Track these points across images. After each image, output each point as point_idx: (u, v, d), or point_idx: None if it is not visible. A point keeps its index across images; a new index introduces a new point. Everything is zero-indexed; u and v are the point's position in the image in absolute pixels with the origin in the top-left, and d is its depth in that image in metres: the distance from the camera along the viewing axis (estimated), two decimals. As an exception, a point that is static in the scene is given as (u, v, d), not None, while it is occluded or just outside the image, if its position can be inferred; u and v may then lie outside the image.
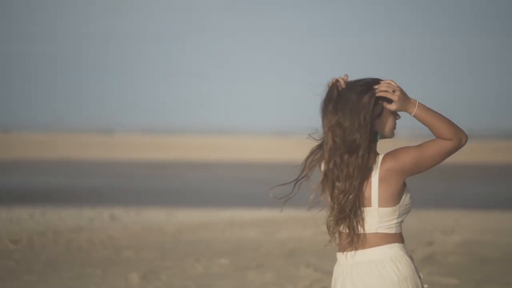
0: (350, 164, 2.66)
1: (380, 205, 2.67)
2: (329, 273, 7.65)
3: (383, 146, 2.81)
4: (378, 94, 2.72)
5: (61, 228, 10.94)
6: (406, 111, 2.72)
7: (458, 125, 2.72)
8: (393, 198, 2.68)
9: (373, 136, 2.68)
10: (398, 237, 2.71)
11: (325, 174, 2.70)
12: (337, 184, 2.67)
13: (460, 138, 2.70)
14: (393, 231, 2.70)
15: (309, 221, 12.27)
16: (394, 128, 2.75)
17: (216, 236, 10.52)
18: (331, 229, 2.72)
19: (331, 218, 2.71)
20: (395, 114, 2.73)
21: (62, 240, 9.78)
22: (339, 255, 2.76)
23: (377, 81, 2.71)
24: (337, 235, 2.73)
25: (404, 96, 2.71)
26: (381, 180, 2.66)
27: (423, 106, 2.71)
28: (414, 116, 2.72)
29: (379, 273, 2.68)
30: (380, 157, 2.68)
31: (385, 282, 2.67)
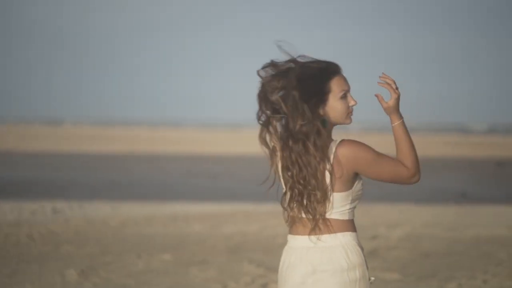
0: (299, 151, 2.67)
1: (333, 190, 2.69)
2: (273, 269, 7.62)
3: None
4: (380, 84, 2.73)
5: None
6: (391, 116, 2.73)
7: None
8: (346, 183, 2.69)
9: (322, 123, 2.68)
10: (351, 225, 2.74)
11: (281, 161, 2.73)
12: (289, 170, 2.69)
13: (415, 173, 2.72)
14: (346, 217, 2.73)
15: (256, 215, 12.20)
16: (348, 113, 2.72)
17: (160, 230, 10.36)
18: (286, 213, 2.73)
19: (285, 203, 2.72)
20: (346, 98, 2.71)
21: (0, 235, 9.51)
22: (290, 238, 2.78)
23: (324, 65, 2.68)
24: (291, 219, 2.75)
25: (398, 102, 2.73)
26: (335, 165, 2.67)
27: (405, 124, 2.73)
28: (394, 126, 2.72)
29: (329, 259, 2.70)
30: (336, 143, 2.68)
31: (334, 268, 2.70)
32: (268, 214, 12.25)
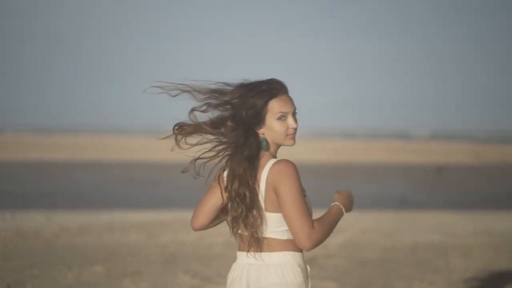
0: (235, 169, 2.71)
1: (267, 209, 2.71)
2: (208, 279, 7.41)
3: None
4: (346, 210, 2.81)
5: None
6: (338, 199, 2.79)
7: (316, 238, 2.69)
8: (274, 204, 2.71)
9: (257, 142, 2.72)
10: (291, 245, 2.73)
11: (227, 175, 2.77)
12: (230, 185, 2.73)
13: (313, 241, 2.67)
14: (285, 237, 2.72)
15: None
16: (287, 134, 2.74)
17: (94, 241, 10.06)
18: (230, 229, 2.80)
19: (229, 219, 2.78)
20: (284, 120, 2.73)
21: None
22: (237, 254, 2.84)
23: (265, 87, 2.72)
24: (239, 234, 2.81)
25: (351, 201, 2.82)
26: (267, 185, 2.69)
27: (341, 213, 2.78)
28: (335, 205, 2.77)
29: (264, 278, 2.73)
30: (272, 161, 2.70)
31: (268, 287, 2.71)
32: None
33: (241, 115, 2.71)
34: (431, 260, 8.73)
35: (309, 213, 2.68)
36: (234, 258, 8.55)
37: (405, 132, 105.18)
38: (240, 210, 2.72)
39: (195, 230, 2.88)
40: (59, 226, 11.28)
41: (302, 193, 2.68)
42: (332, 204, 2.78)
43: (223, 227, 9.92)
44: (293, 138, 2.75)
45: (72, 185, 20.61)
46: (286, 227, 2.72)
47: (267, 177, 2.69)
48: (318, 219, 2.71)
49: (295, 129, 2.76)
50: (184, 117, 2.82)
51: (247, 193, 2.70)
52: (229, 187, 2.74)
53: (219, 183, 2.80)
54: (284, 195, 2.65)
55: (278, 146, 2.79)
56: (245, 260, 2.78)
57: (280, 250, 2.72)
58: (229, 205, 2.76)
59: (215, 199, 2.82)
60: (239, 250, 2.82)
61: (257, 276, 2.74)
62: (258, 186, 2.70)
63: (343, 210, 2.77)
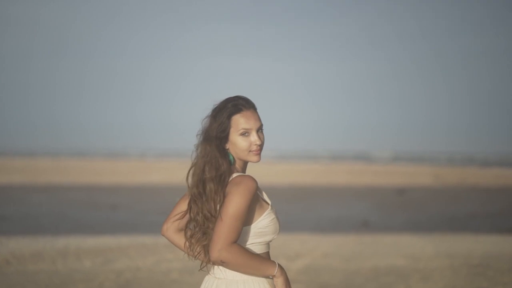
0: (203, 183, 2.72)
1: None
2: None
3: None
4: None
5: None
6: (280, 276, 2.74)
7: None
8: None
9: (224, 158, 2.73)
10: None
11: (191, 192, 2.81)
12: (194, 202, 2.76)
13: (220, 253, 2.65)
14: (256, 251, 2.74)
15: (153, 248, 11.70)
16: (250, 150, 2.74)
17: (46, 267, 9.71)
18: (191, 244, 2.80)
19: (191, 234, 2.79)
20: (248, 136, 2.74)
21: None
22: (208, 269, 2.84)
23: (230, 104, 2.76)
24: (199, 249, 2.81)
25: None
26: (226, 198, 2.69)
27: (282, 276, 2.74)
28: (274, 274, 2.73)
29: None
30: (234, 175, 2.73)
31: None
32: (166, 247, 11.78)
33: (211, 133, 2.74)
34: (392, 285, 8.58)
35: (238, 233, 2.65)
36: (190, 285, 8.23)
37: (367, 154, 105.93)
38: (201, 224, 2.77)
39: (162, 234, 2.93)
40: (11, 253, 10.90)
41: (243, 211, 2.64)
42: (277, 267, 2.73)
43: (181, 253, 9.46)
44: (257, 155, 2.74)
45: (28, 209, 20.14)
46: (250, 241, 2.73)
47: (226, 191, 2.71)
48: (246, 248, 2.71)
49: (259, 146, 2.75)
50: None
51: (209, 209, 2.73)
52: (195, 201, 2.77)
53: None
54: (225, 204, 2.65)
55: (244, 162, 2.79)
56: (212, 274, 2.80)
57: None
58: (192, 220, 2.79)
59: (185, 207, 2.85)
60: (208, 264, 2.84)
61: None
62: (219, 200, 2.72)
63: (276, 273, 2.71)
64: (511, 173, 44.71)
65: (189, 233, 2.80)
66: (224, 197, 2.70)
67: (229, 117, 2.73)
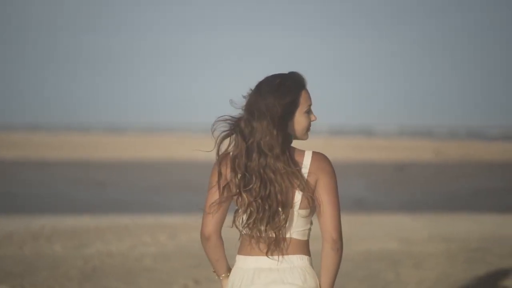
0: (265, 164, 2.57)
1: (300, 206, 2.60)
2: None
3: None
4: None
5: None
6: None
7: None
8: (311, 200, 2.60)
9: (288, 137, 2.61)
10: (308, 247, 2.66)
11: (242, 174, 2.59)
12: (250, 184, 2.57)
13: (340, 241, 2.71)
14: (306, 237, 2.65)
15: (131, 230, 11.07)
16: (308, 129, 2.68)
17: (13, 252, 9.07)
18: (245, 228, 2.61)
19: (242, 222, 2.62)
20: (309, 113, 2.66)
21: None
22: (241, 259, 2.66)
23: (294, 77, 2.64)
24: (243, 237, 2.65)
25: None
26: (309, 176, 2.59)
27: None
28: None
29: (282, 281, 2.60)
30: (309, 154, 2.62)
31: None
32: (145, 228, 11.15)
33: (276, 112, 2.59)
34: (382, 272, 7.94)
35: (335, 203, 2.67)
36: (163, 273, 7.37)
37: (370, 128, 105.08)
38: (264, 210, 2.58)
39: (207, 238, 2.68)
40: (-21, 235, 10.27)
41: None
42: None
43: (161, 236, 8.69)
44: (308, 133, 2.72)
45: (12, 186, 19.51)
46: (309, 225, 2.65)
47: (309, 168, 2.60)
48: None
49: None
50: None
51: (277, 193, 2.58)
52: (252, 185, 2.57)
53: (226, 179, 2.63)
54: (331, 185, 2.59)
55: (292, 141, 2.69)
56: (256, 264, 2.63)
57: (300, 253, 2.63)
58: (246, 204, 2.59)
59: (222, 196, 2.63)
60: (246, 254, 2.65)
61: (273, 281, 2.61)
62: (293, 182, 2.58)
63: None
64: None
65: (250, 220, 2.59)
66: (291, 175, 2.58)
67: (298, 94, 2.63)
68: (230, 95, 2.72)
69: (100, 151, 37.98)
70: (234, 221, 2.64)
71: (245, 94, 2.68)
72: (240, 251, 2.68)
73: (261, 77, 2.67)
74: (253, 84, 2.69)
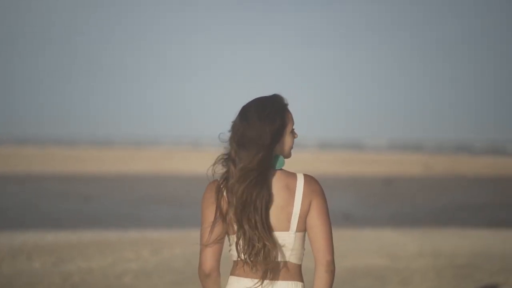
0: (258, 187, 2.53)
1: (297, 229, 2.57)
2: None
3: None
4: None
5: None
6: None
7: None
8: (305, 222, 2.57)
9: (274, 158, 2.59)
10: (301, 273, 2.61)
11: (228, 198, 2.55)
12: (245, 209, 2.52)
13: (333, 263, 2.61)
14: (300, 261, 2.62)
15: (114, 245, 10.86)
16: (292, 147, 2.67)
17: (-9, 269, 8.84)
18: (239, 256, 2.55)
19: (237, 248, 2.55)
20: (293, 133, 2.65)
21: None
22: (234, 280, 2.60)
23: (279, 99, 2.63)
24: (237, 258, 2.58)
25: None
26: (304, 199, 2.56)
27: None
28: None
29: None
30: (300, 176, 2.60)
31: None
32: (129, 243, 10.94)
33: (265, 139, 2.55)
34: (368, 289, 7.77)
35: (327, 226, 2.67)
36: None
37: (359, 142, 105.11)
38: (259, 235, 2.53)
39: (207, 274, 2.57)
40: (-43, 251, 10.02)
41: None
42: None
43: (143, 251, 8.47)
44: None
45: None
46: (304, 249, 2.62)
47: (303, 191, 2.57)
48: None
49: None
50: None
51: (271, 217, 2.55)
52: (246, 210, 2.52)
53: (221, 207, 2.56)
54: (324, 208, 2.57)
55: None
56: (254, 286, 2.56)
57: (295, 280, 2.59)
58: (252, 239, 2.53)
59: (220, 229, 2.56)
60: (239, 275, 2.58)
61: None
62: (288, 205, 2.56)
63: None
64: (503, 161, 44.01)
65: (252, 251, 2.54)
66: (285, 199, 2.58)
67: (285, 116, 2.61)
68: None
69: (86, 164, 37.71)
70: (231, 250, 2.61)
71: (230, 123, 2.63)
72: (233, 272, 2.63)
73: (246, 96, 2.63)
74: (237, 101, 2.66)
